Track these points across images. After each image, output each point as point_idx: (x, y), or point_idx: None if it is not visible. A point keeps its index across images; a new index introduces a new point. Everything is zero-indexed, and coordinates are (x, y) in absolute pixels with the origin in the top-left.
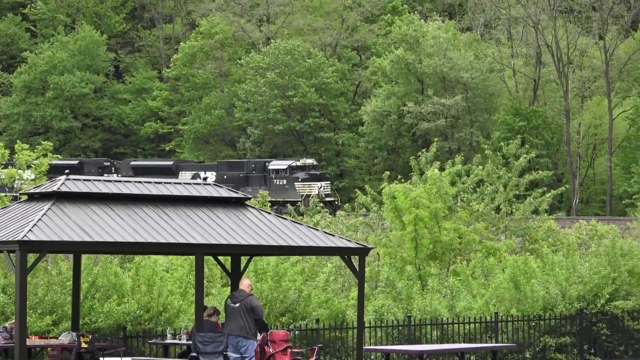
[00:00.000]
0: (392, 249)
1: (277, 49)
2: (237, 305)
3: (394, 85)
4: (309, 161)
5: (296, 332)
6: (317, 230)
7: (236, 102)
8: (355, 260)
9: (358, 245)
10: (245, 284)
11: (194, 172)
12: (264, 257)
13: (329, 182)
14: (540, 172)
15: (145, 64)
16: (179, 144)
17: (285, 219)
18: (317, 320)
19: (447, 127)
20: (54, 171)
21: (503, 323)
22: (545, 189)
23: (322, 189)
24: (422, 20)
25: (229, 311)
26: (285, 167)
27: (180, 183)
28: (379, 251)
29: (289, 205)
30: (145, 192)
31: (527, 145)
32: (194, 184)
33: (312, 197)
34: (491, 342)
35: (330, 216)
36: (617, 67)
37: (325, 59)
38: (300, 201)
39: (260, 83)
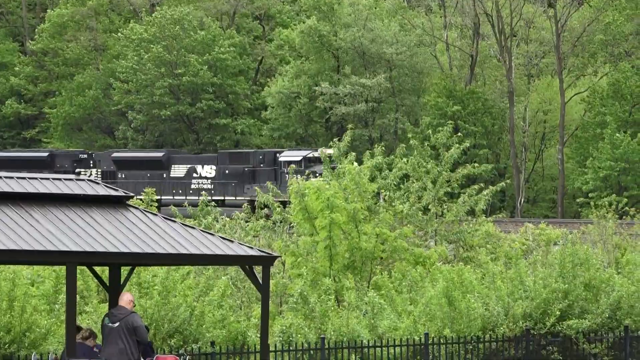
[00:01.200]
0: (301, 258)
1: (163, 18)
2: (117, 325)
3: (305, 62)
4: (330, 151)
5: (187, 357)
6: (213, 235)
7: (114, 82)
8: (258, 271)
9: (262, 254)
10: (125, 299)
11: (188, 166)
12: (149, 267)
13: None
14: (477, 165)
15: (4, 35)
16: (45, 130)
17: (175, 221)
18: (212, 343)
19: (368, 112)
20: (14, 165)
21: (435, 346)
22: (483, 185)
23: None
24: None
25: (107, 332)
26: (299, 158)
27: (48, 178)
28: (285, 260)
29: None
30: (6, 189)
31: (460, 134)
32: (65, 179)
33: None
34: None
35: (225, 218)
36: (570, 40)
37: (221, 30)
38: None
39: (143, 59)
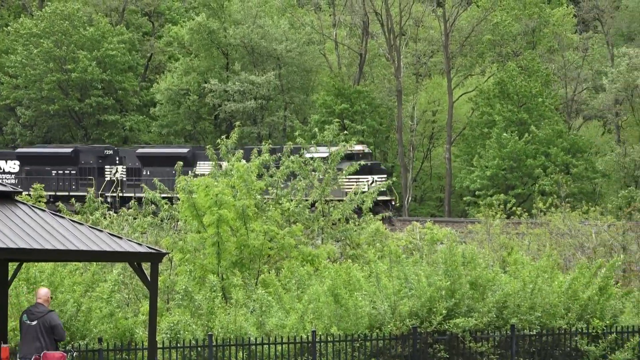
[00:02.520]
0: (189, 255)
1: (53, 14)
2: (34, 323)
3: (194, 59)
4: (359, 147)
5: (74, 353)
6: (102, 231)
7: (3, 77)
8: (146, 267)
9: (150, 250)
10: (43, 295)
11: (212, 162)
12: (37, 263)
13: (385, 175)
14: (362, 163)
15: None
16: None
17: (63, 217)
18: (100, 340)
19: (257, 109)
20: (40, 161)
21: (322, 344)
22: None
23: (372, 185)
24: None
25: (25, 330)
26: (326, 155)
27: None
28: (173, 257)
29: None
30: None
31: (346, 132)
32: None
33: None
34: None
35: (112, 214)
36: (459, 40)
37: (110, 26)
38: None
39: (32, 54)
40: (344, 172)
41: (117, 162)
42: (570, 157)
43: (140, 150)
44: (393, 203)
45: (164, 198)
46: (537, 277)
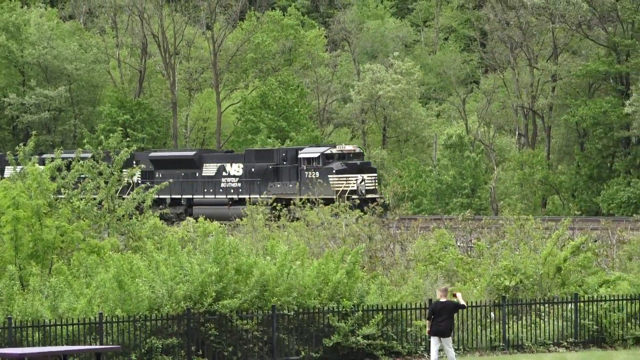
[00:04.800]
0: None
1: None
2: None
3: None
4: (349, 147)
5: None
6: None
7: None
8: None
9: None
10: None
11: (219, 165)
12: None
13: (375, 174)
14: (136, 167)
15: None
16: None
17: None
18: None
19: (51, 120)
20: None
21: (108, 324)
22: (148, 184)
23: (362, 183)
24: (24, 7)
25: None
26: (317, 155)
27: None
28: None
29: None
30: None
31: (128, 139)
32: None
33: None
34: (96, 344)
35: None
36: (225, 58)
37: None
38: (335, 199)
39: None
40: (127, 173)
41: (133, 165)
42: None
43: (152, 154)
44: (382, 200)
45: None
46: (291, 262)
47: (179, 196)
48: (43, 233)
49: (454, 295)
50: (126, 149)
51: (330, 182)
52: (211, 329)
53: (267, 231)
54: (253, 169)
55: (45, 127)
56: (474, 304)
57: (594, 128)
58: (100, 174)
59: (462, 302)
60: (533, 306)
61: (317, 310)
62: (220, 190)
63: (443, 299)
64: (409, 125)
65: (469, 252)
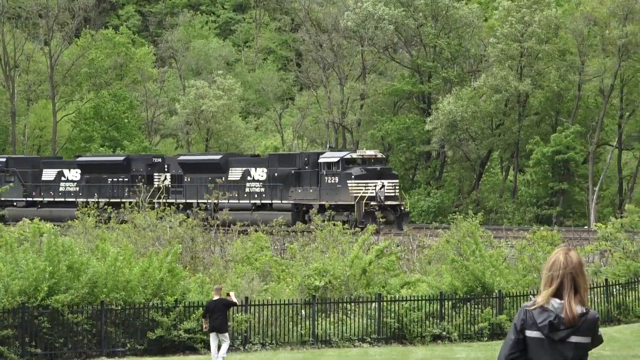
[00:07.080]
0: None
1: None
2: None
3: None
4: (370, 152)
5: None
6: None
7: None
8: None
9: None
10: None
11: (244, 169)
12: None
13: (396, 180)
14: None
15: None
16: None
17: None
18: None
19: None
20: (96, 169)
21: None
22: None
23: (382, 190)
24: None
25: None
26: (336, 159)
27: None
28: None
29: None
30: None
31: None
32: None
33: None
34: None
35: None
36: (62, 72)
37: None
38: (353, 205)
39: None
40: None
41: (165, 169)
42: None
43: (181, 158)
44: (402, 208)
45: None
46: (117, 261)
47: (205, 201)
48: None
49: (228, 295)
50: None
51: (349, 188)
52: (44, 322)
53: (98, 232)
54: (276, 174)
55: None
56: (286, 302)
57: (398, 142)
58: None
59: (235, 300)
60: (340, 305)
61: (142, 306)
62: (245, 195)
63: (216, 297)
64: (230, 136)
65: (282, 255)
